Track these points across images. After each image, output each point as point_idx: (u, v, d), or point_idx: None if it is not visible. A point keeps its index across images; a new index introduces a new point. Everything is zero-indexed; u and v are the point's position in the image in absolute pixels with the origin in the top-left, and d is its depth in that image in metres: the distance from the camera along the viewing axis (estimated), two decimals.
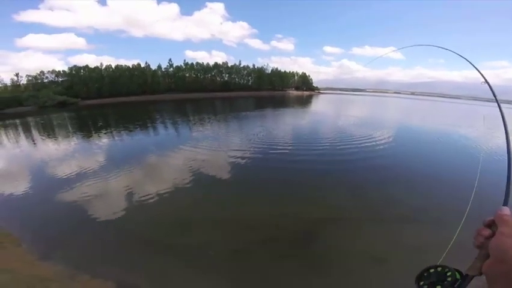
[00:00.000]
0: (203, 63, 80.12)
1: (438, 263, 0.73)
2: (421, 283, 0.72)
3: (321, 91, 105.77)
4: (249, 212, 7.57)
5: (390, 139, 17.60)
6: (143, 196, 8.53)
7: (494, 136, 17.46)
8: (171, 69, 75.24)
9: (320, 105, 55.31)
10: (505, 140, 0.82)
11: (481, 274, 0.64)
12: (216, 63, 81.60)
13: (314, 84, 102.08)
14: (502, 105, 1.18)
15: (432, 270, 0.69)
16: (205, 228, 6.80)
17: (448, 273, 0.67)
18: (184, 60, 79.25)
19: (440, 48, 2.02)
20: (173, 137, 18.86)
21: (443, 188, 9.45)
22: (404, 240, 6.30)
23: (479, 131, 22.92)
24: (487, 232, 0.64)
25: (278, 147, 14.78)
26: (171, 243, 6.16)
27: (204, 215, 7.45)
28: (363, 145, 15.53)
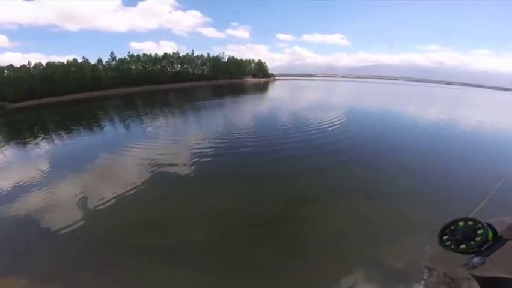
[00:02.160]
0: (150, 54, 74.32)
1: (470, 215, 0.57)
2: (445, 238, 0.58)
3: (276, 78, 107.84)
4: (220, 204, 7.44)
5: (344, 120, 19.12)
6: (103, 200, 7.79)
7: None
8: (114, 62, 68.11)
9: (277, 91, 56.63)
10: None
11: None
12: (165, 54, 76.36)
13: (270, 71, 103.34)
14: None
15: (461, 224, 0.57)
16: (176, 225, 6.55)
17: (479, 231, 0.55)
18: (129, 52, 72.34)
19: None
20: (124, 135, 17.18)
21: (392, 161, 10.75)
22: (365, 215, 6.92)
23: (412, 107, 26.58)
24: None
25: (242, 136, 14.67)
26: (143, 244, 5.83)
27: (173, 212, 7.14)
28: (323, 127, 16.52)
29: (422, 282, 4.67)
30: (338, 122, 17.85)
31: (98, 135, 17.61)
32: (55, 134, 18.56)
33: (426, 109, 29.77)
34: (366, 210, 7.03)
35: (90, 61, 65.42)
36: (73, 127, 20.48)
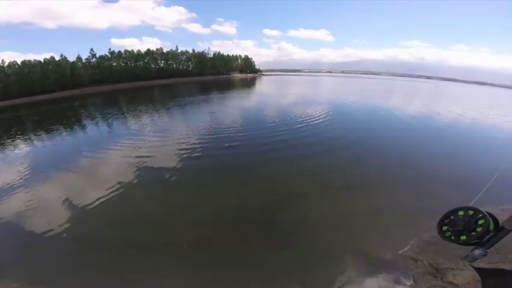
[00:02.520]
0: (133, 50, 72.06)
1: (470, 205, 0.51)
2: (444, 228, 0.52)
3: (263, 73, 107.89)
4: (208, 201, 7.32)
5: (330, 114, 19.50)
6: (88, 201, 7.50)
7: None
8: (94, 59, 65.59)
9: (264, 86, 56.57)
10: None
11: None
12: (148, 50, 74.30)
13: (257, 67, 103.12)
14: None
15: (461, 213, 0.50)
16: (163, 223, 6.43)
17: (480, 221, 0.49)
18: (110, 49, 69.84)
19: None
20: (108, 134, 16.52)
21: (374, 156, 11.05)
22: (354, 207, 7.10)
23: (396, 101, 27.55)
24: None
25: (229, 133, 14.47)
26: (131, 243, 5.70)
27: (160, 210, 6.99)
28: (309, 122, 16.72)
29: (411, 273, 4.71)
30: (324, 117, 18.14)
31: (80, 135, 16.86)
32: (34, 135, 17.57)
33: (407, 103, 30.95)
34: (355, 202, 7.16)
35: (69, 59, 62.53)
36: (53, 127, 19.46)
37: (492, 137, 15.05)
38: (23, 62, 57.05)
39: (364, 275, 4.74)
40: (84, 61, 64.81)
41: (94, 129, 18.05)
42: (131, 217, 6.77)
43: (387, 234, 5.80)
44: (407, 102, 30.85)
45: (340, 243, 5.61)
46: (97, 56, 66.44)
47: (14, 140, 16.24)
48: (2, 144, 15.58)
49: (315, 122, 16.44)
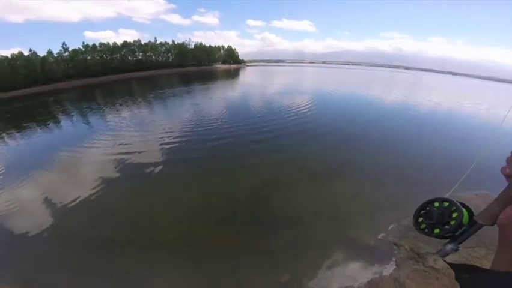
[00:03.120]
0: (108, 43, 68.32)
1: (447, 196, 0.59)
2: (420, 219, 0.57)
3: (247, 64, 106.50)
4: (196, 193, 7.32)
5: (313, 104, 19.84)
6: (68, 200, 7.29)
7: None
8: (66, 53, 61.66)
9: (248, 77, 56.10)
10: None
11: (493, 224, 0.48)
12: (125, 42, 70.81)
13: (240, 58, 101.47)
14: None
15: (437, 205, 0.57)
16: (149, 219, 6.36)
17: (453, 214, 0.53)
18: (83, 43, 65.91)
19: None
20: (85, 130, 15.78)
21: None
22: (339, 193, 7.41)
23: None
24: None
25: (212, 125, 14.27)
26: (119, 240, 5.65)
27: (148, 205, 6.93)
28: (294, 111, 17.01)
29: (393, 258, 4.84)
30: (309, 107, 18.42)
31: (55, 132, 16.00)
32: (6, 134, 16.42)
33: (388, 92, 32.12)
34: (337, 189, 7.42)
35: (39, 53, 58.26)
36: (25, 124, 18.24)
37: (468, 125, 16.07)
38: None
39: (348, 260, 4.91)
40: (56, 55, 60.78)
41: (70, 126, 17.20)
42: (115, 214, 6.67)
43: (368, 219, 6.00)
44: (387, 92, 32.01)
45: (327, 230, 5.78)
46: (70, 50, 62.55)
47: None
48: None
49: (300, 112, 16.70)
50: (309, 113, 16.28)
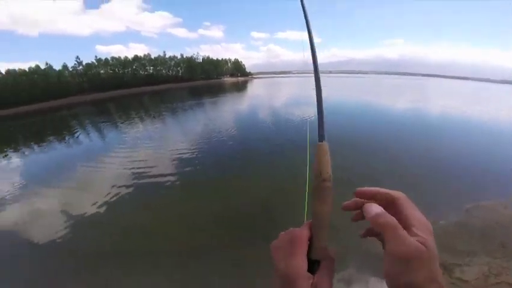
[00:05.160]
0: (120, 57, 71.06)
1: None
2: None
3: (254, 76, 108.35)
4: (208, 206, 7.29)
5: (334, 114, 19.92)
6: (82, 211, 7.39)
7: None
8: (80, 67, 64.28)
9: (256, 89, 56.88)
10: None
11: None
12: (136, 56, 73.48)
13: (247, 70, 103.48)
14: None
15: None
16: (160, 231, 6.36)
17: None
18: (96, 56, 68.83)
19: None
20: (100, 144, 16.19)
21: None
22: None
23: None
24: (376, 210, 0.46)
25: (223, 138, 14.41)
26: (127, 251, 5.61)
27: (156, 218, 6.92)
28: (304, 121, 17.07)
29: None
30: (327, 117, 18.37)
31: (72, 145, 16.42)
32: (24, 147, 17.08)
33: (399, 100, 31.83)
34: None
35: (54, 67, 60.97)
36: (43, 138, 18.97)
37: (495, 132, 15.44)
38: (8, 72, 55.39)
39: (366, 273, 4.72)
40: (71, 69, 63.40)
41: (86, 139, 17.64)
42: (127, 226, 6.67)
43: None
44: (399, 99, 31.70)
45: (340, 241, 5.47)
46: (83, 63, 65.21)
47: (1, 152, 15.70)
48: None
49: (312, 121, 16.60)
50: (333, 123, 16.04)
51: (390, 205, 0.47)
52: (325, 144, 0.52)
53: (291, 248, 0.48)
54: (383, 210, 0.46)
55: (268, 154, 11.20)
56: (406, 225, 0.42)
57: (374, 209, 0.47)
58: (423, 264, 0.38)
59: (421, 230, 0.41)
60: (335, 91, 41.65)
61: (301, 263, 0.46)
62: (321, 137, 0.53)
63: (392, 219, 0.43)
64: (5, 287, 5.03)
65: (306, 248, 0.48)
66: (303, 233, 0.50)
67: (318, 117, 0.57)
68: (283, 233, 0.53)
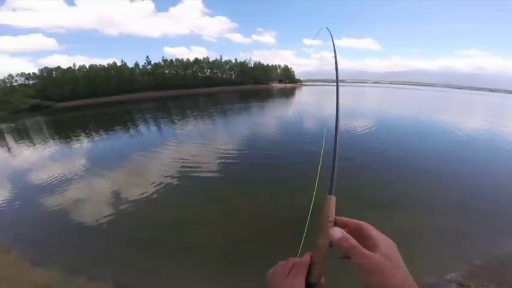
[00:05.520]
0: (182, 59, 78.54)
1: None
2: None
3: (303, 83, 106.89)
4: (245, 206, 7.52)
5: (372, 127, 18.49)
6: (131, 197, 8.27)
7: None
8: (149, 66, 73.37)
9: (304, 97, 56.08)
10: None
11: None
12: (196, 59, 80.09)
13: (297, 77, 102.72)
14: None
15: None
16: (201, 225, 6.65)
17: None
18: (163, 57, 77.90)
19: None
20: (157, 136, 18.31)
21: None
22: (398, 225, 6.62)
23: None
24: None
25: (270, 139, 14.80)
26: (167, 242, 6.02)
27: (199, 212, 7.33)
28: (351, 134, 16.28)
29: None
30: (368, 131, 17.10)
31: (133, 135, 18.86)
32: (95, 133, 20.35)
33: (478, 119, 27.18)
34: (397, 221, 6.58)
35: (127, 64, 71.09)
36: (111, 127, 22.31)
37: None
38: (90, 66, 66.73)
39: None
40: (141, 68, 72.84)
41: (146, 131, 20.17)
42: (166, 216, 7.09)
43: (431, 256, 5.28)
44: (481, 118, 27.13)
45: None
46: (152, 63, 74.14)
47: (77, 137, 19.02)
48: (68, 140, 18.33)
49: (358, 135, 15.53)
50: (369, 139, 14.81)
51: (359, 232, 0.56)
52: (333, 198, 0.61)
53: (294, 270, 0.56)
54: (345, 233, 0.54)
55: (297, 163, 10.84)
56: (372, 245, 0.51)
57: (337, 232, 0.54)
58: (391, 273, 0.46)
59: (384, 247, 0.50)
60: (396, 104, 38.17)
61: (302, 283, 0.54)
62: (330, 190, 0.62)
63: (353, 241, 0.51)
64: (59, 260, 5.51)
65: (306, 272, 0.56)
66: (305, 259, 0.58)
67: (332, 172, 0.65)
68: (282, 262, 0.61)
